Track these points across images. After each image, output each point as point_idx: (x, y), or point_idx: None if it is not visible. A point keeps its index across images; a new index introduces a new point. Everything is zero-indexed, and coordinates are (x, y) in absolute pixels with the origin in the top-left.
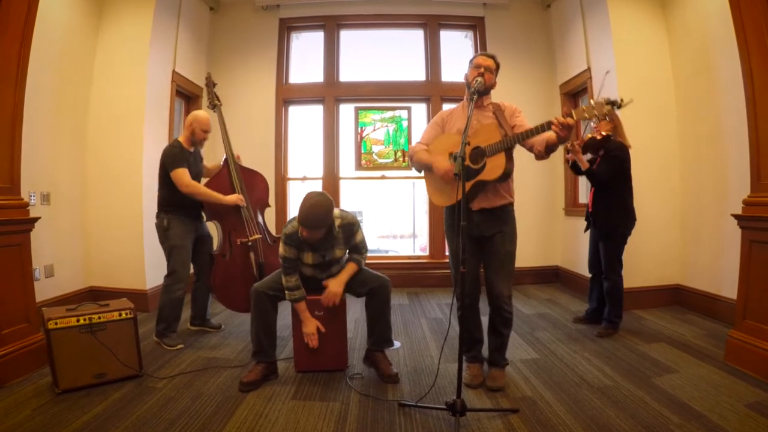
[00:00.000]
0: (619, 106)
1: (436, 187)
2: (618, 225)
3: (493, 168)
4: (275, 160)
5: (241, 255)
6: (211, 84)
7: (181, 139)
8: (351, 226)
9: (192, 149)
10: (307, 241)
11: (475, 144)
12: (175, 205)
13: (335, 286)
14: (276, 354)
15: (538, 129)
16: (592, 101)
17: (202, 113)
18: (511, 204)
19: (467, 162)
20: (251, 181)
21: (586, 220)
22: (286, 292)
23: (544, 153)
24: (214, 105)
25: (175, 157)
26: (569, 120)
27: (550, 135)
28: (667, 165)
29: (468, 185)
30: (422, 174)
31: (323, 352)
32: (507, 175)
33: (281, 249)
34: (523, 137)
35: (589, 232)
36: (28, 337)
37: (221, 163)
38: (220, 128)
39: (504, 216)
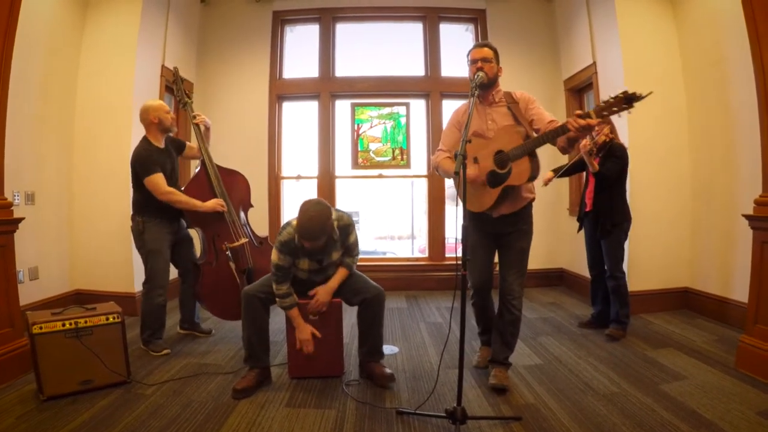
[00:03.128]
0: (638, 99)
1: (467, 193)
2: (623, 220)
3: (519, 173)
4: (268, 158)
5: (227, 261)
6: (179, 80)
7: (149, 137)
8: (348, 227)
9: (163, 145)
10: (306, 249)
11: (497, 147)
12: (149, 208)
13: (323, 295)
14: (269, 359)
15: (556, 132)
16: (611, 96)
17: (153, 100)
18: (532, 201)
19: (493, 167)
20: (231, 181)
21: (578, 220)
22: (277, 299)
23: (567, 147)
24: (185, 103)
25: (146, 162)
26: (589, 121)
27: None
28: (675, 163)
29: (497, 191)
30: (429, 172)
31: (318, 358)
32: (534, 177)
33: (274, 256)
34: (543, 141)
35: (584, 234)
36: (12, 342)
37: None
38: (196, 135)
39: (523, 214)
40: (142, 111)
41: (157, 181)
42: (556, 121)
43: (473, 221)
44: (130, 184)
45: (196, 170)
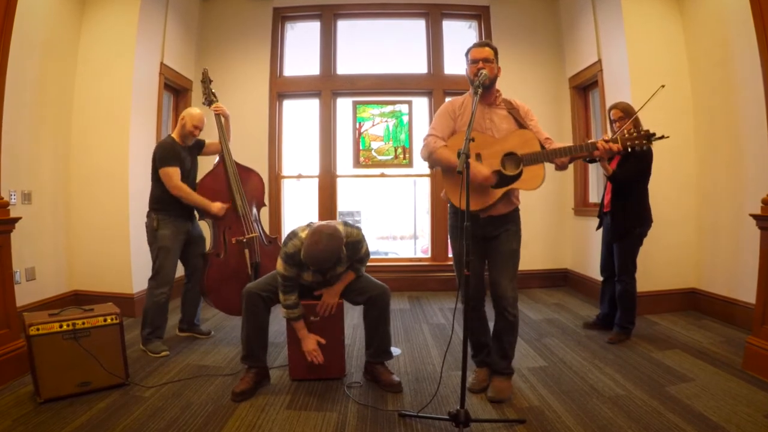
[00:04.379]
0: (657, 139)
1: (459, 189)
2: (635, 225)
3: (531, 178)
4: (269, 157)
5: (235, 254)
6: (207, 80)
7: (174, 134)
8: (357, 243)
9: (185, 144)
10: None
11: (507, 149)
12: (166, 204)
13: (330, 297)
14: (267, 358)
15: (583, 148)
16: (634, 132)
17: (197, 110)
18: (518, 208)
19: (499, 168)
20: (247, 179)
21: (598, 217)
22: (285, 309)
23: (567, 164)
24: (210, 102)
25: (166, 154)
26: (617, 146)
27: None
28: (681, 162)
29: (499, 192)
30: (432, 170)
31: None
32: (541, 185)
33: (280, 266)
34: (567, 153)
35: (601, 233)
36: (9, 344)
37: (216, 158)
38: (217, 126)
39: (510, 216)
40: (185, 110)
41: (171, 173)
42: (551, 139)
43: (458, 223)
44: (130, 183)
45: (215, 163)
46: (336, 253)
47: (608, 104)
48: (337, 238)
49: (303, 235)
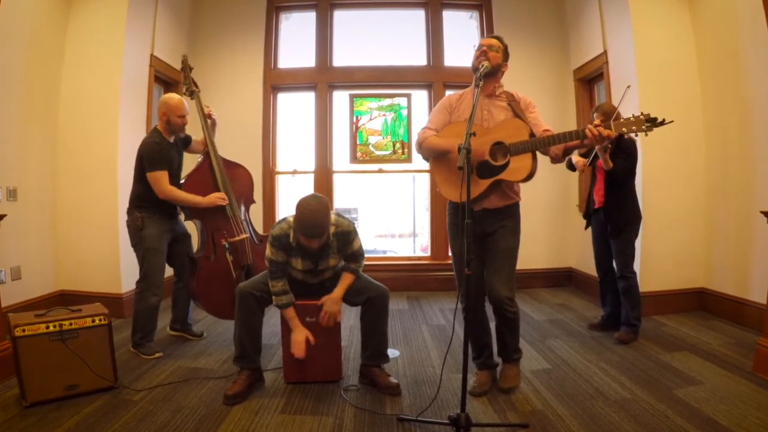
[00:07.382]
0: (659, 124)
1: (447, 178)
2: (632, 220)
3: (517, 168)
4: (263, 152)
5: (225, 256)
6: (187, 68)
7: (159, 128)
8: (347, 234)
9: (172, 140)
10: (302, 248)
11: (496, 138)
12: (150, 202)
13: (331, 305)
14: (261, 360)
15: (572, 135)
16: (632, 116)
17: (173, 96)
18: (517, 204)
19: (486, 157)
20: (234, 175)
21: (585, 217)
22: (273, 297)
23: (561, 156)
24: (192, 92)
25: (154, 156)
26: (608, 132)
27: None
28: (690, 158)
29: (485, 183)
30: (429, 162)
31: (315, 362)
32: (531, 177)
33: (268, 251)
34: (555, 141)
35: (591, 232)
36: None
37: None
38: (200, 117)
39: (508, 211)
40: (160, 103)
41: (161, 179)
42: (550, 130)
43: (458, 220)
44: (119, 179)
45: (199, 160)
46: (326, 219)
47: (614, 97)
48: (323, 202)
49: (291, 219)
